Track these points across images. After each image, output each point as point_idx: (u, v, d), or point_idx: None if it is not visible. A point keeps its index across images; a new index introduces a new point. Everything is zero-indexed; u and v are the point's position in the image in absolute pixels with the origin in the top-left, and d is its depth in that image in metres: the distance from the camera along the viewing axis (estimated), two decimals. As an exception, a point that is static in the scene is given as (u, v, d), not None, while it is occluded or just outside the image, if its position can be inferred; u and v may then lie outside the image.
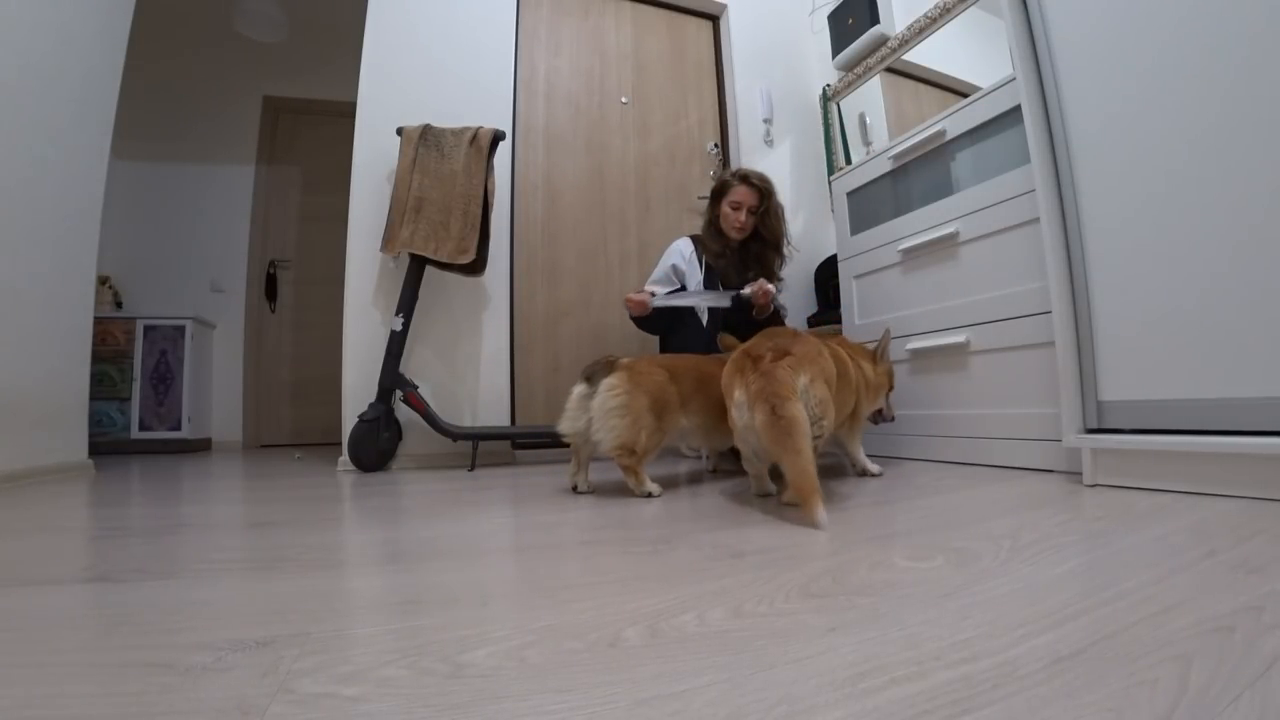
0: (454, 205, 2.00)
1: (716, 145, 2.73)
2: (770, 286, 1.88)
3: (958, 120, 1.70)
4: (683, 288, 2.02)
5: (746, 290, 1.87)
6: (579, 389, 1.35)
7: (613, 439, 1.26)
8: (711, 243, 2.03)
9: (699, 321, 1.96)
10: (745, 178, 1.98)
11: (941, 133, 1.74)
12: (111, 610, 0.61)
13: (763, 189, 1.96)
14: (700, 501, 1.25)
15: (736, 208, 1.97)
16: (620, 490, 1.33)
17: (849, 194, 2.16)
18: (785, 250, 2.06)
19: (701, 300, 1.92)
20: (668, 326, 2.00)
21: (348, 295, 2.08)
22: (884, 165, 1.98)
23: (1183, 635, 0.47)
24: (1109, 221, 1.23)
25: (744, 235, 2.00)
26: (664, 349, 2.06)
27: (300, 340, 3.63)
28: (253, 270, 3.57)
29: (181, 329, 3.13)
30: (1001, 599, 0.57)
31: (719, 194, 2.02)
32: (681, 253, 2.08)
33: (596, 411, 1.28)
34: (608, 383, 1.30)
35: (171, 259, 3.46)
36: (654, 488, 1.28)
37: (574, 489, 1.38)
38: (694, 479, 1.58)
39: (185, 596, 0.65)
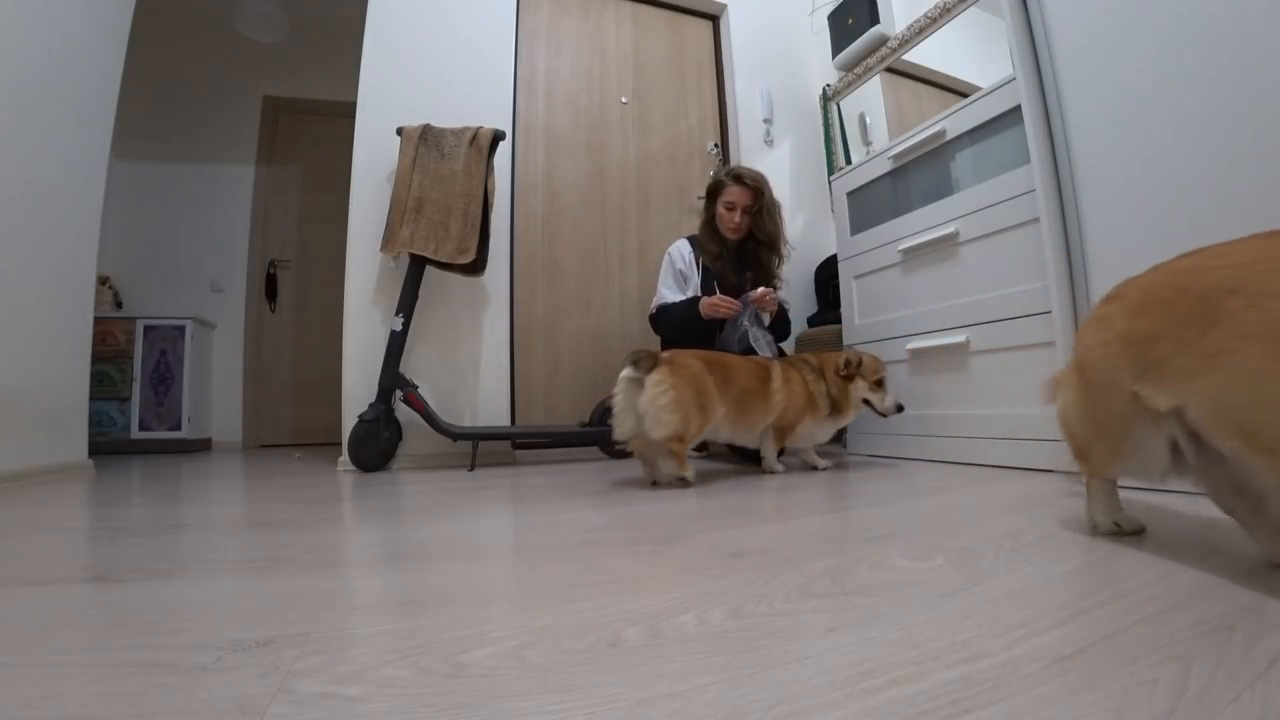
0: (454, 205, 2.00)
1: (716, 145, 2.73)
2: (772, 293, 1.86)
3: (958, 120, 1.70)
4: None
5: (751, 297, 1.86)
6: (626, 372, 1.39)
7: (667, 431, 1.35)
8: (709, 244, 2.02)
9: (715, 332, 1.92)
10: (739, 177, 1.95)
11: (941, 133, 1.74)
12: (111, 610, 0.61)
13: (756, 188, 1.94)
14: (700, 502, 1.25)
15: (731, 208, 1.95)
16: (620, 490, 1.33)
17: (849, 194, 2.16)
18: (783, 250, 2.05)
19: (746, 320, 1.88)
20: (698, 336, 1.90)
21: (348, 295, 2.08)
22: (884, 165, 1.98)
23: (1183, 635, 0.47)
24: (1109, 222, 1.23)
25: (740, 236, 1.99)
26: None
27: (300, 340, 3.62)
28: (253, 270, 3.56)
29: (181, 329, 3.13)
30: (1001, 599, 0.57)
31: (713, 194, 2.01)
32: (682, 254, 2.07)
33: (648, 409, 1.34)
34: (654, 379, 1.36)
35: (171, 259, 3.46)
36: (690, 474, 1.40)
37: (653, 484, 1.45)
38: (693, 478, 1.58)
39: (185, 596, 0.65)
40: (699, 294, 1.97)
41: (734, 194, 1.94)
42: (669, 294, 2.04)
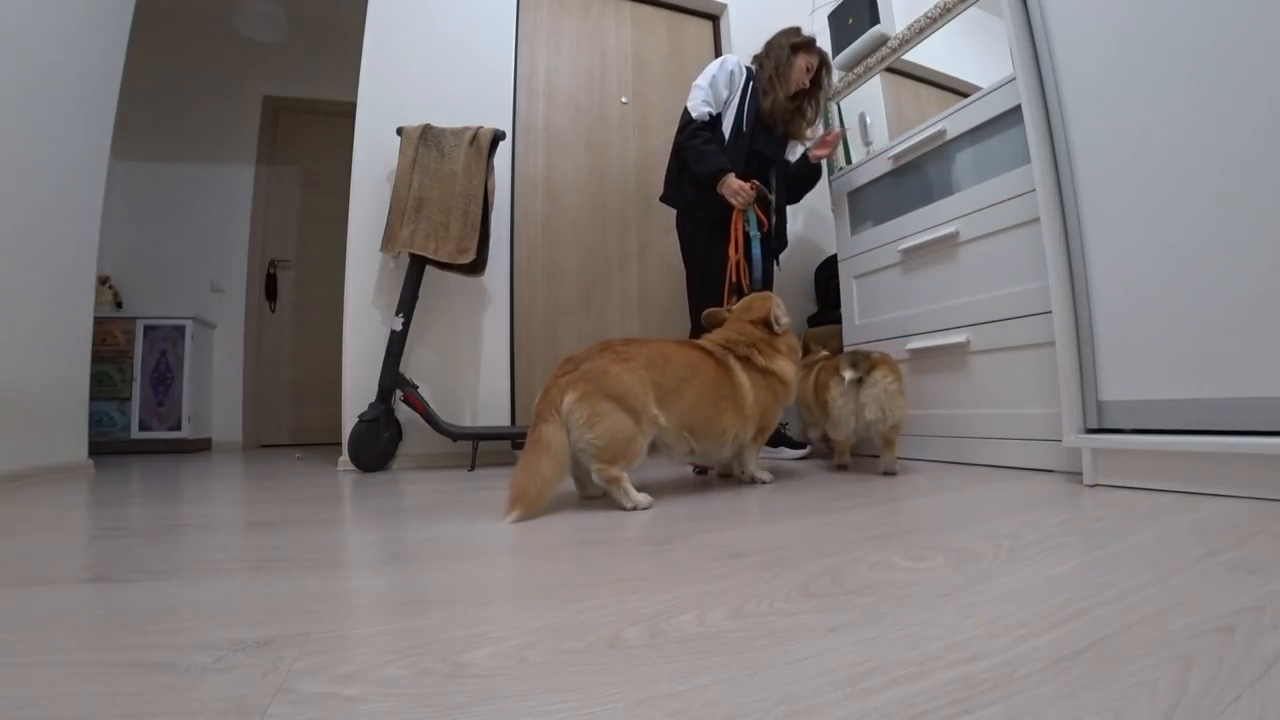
0: (454, 205, 2.00)
1: (716, 145, 2.73)
2: (838, 130, 2.09)
3: (958, 120, 1.70)
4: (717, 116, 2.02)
5: (811, 150, 2.08)
6: (848, 374, 1.48)
7: (900, 417, 1.50)
8: (777, 89, 2.01)
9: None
10: (823, 52, 2.09)
11: (942, 133, 1.74)
12: (111, 610, 0.61)
13: (826, 60, 2.09)
14: (700, 502, 1.25)
15: (811, 68, 2.03)
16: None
17: (849, 194, 2.16)
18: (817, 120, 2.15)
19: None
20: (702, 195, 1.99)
21: (348, 295, 2.08)
22: (884, 165, 1.98)
23: (1183, 635, 0.47)
24: (1109, 221, 1.23)
25: (803, 89, 2.05)
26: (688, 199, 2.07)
27: (300, 340, 3.62)
28: (253, 270, 3.57)
29: (181, 329, 3.13)
30: (1001, 599, 0.57)
31: (798, 48, 2.03)
32: (739, 68, 2.05)
33: (882, 399, 1.47)
34: (880, 373, 1.49)
35: (171, 259, 3.46)
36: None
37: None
38: (693, 480, 1.58)
39: (185, 596, 0.65)
40: (729, 141, 1.99)
41: (814, 60, 2.05)
42: (700, 103, 1.98)
